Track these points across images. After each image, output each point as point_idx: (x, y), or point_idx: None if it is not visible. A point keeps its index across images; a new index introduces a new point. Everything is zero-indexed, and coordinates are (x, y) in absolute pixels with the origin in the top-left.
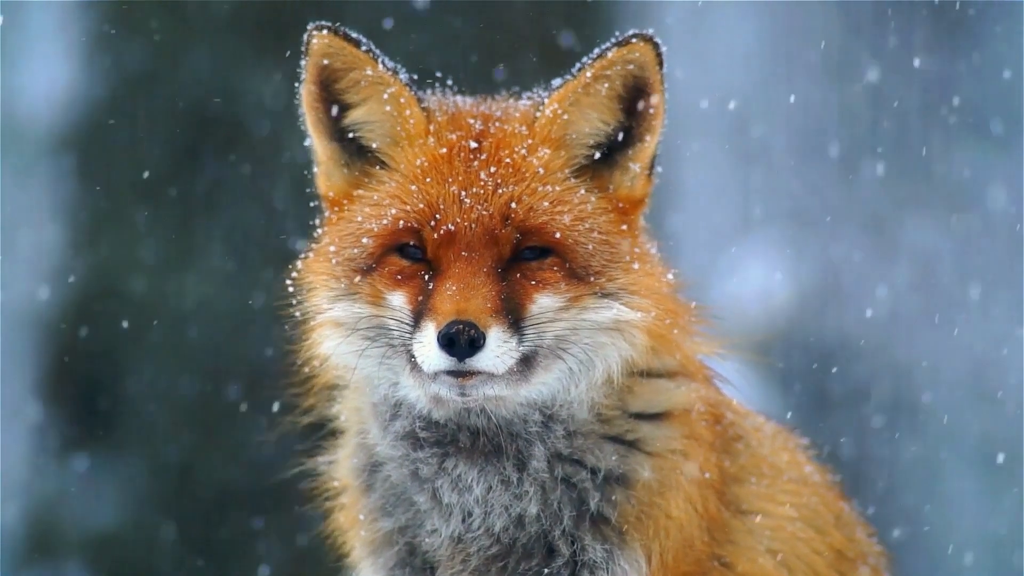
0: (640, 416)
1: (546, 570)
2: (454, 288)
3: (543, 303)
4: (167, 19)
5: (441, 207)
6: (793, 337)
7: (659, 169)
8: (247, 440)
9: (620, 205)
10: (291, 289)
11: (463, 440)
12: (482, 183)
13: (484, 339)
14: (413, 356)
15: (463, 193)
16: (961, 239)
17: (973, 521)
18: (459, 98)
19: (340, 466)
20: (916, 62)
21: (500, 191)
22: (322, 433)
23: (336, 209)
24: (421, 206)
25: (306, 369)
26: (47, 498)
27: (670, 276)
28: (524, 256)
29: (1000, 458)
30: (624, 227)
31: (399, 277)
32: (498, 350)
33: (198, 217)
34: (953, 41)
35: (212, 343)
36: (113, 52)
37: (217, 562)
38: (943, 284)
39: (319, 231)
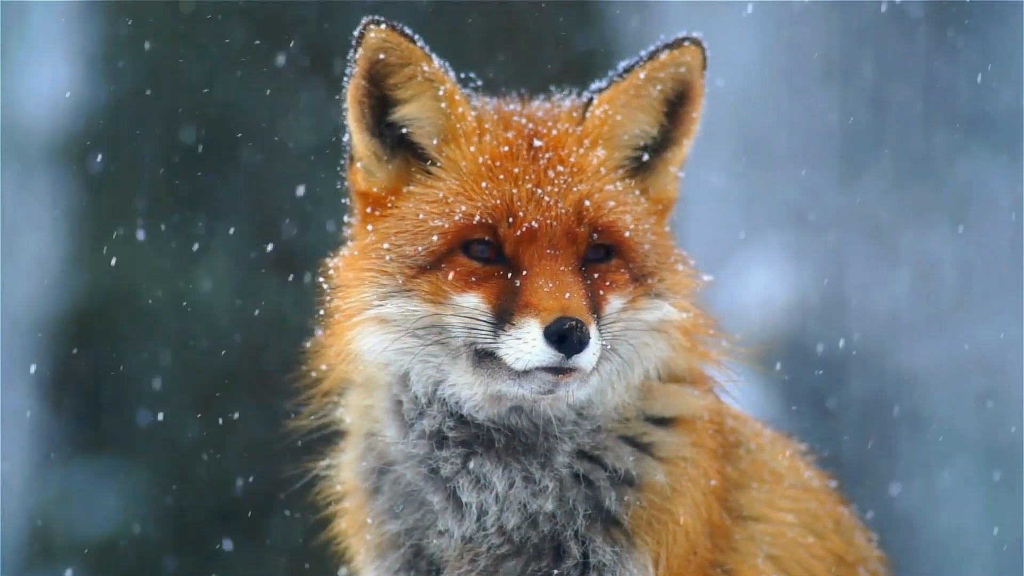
0: (654, 420)
1: (555, 571)
2: (551, 285)
3: (615, 304)
4: (168, 24)
5: (518, 204)
6: (795, 343)
7: (681, 174)
8: (249, 446)
9: (659, 207)
10: (324, 286)
11: (498, 439)
12: (553, 181)
13: (589, 337)
14: (486, 354)
15: (539, 191)
16: (963, 244)
17: (974, 525)
18: (487, 98)
19: (344, 469)
20: (918, 67)
21: (574, 189)
22: (323, 434)
23: (379, 205)
24: (496, 203)
25: (313, 373)
26: (48, 503)
27: (707, 278)
28: (591, 257)
29: (1001, 464)
30: (667, 228)
31: (472, 279)
32: (594, 348)
33: (200, 222)
34: (955, 45)
35: (214, 349)
36: (114, 58)
37: (219, 569)
38: (945, 290)
39: (351, 228)
